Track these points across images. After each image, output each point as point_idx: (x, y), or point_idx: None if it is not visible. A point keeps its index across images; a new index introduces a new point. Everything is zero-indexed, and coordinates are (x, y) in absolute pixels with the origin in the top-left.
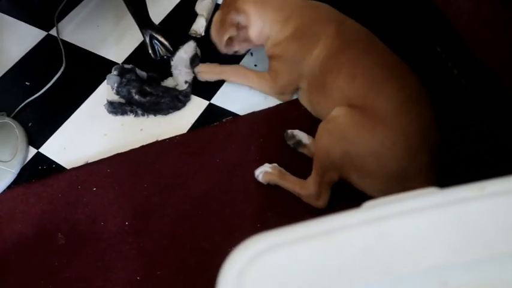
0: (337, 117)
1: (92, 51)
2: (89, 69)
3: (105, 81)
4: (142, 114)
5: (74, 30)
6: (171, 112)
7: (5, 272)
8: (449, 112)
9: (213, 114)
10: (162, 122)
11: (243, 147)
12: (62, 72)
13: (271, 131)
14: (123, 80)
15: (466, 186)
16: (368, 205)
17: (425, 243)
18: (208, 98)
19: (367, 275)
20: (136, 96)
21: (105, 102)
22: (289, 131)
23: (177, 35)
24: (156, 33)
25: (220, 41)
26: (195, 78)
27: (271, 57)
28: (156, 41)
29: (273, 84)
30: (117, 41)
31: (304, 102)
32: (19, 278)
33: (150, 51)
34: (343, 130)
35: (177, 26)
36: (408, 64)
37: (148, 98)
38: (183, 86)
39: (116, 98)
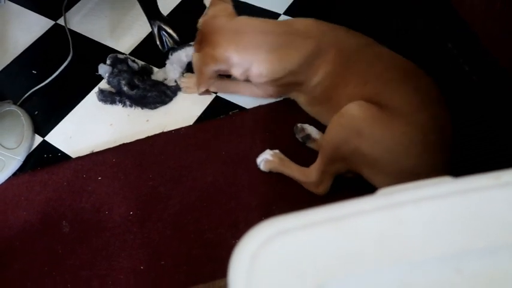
0: (351, 110)
1: (99, 42)
2: (96, 59)
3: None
4: (131, 106)
5: (81, 20)
6: (158, 107)
7: (10, 258)
8: (459, 109)
9: (219, 107)
10: (168, 113)
11: (249, 141)
12: (69, 62)
13: (277, 125)
14: (115, 70)
15: (481, 175)
16: (383, 192)
17: (440, 231)
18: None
19: (381, 261)
20: (125, 88)
21: (97, 89)
22: (299, 124)
23: (185, 27)
24: (165, 24)
25: (199, 90)
26: None
27: (265, 84)
28: (164, 33)
29: (271, 97)
30: (125, 32)
31: (304, 108)
32: (24, 264)
33: (158, 43)
34: (357, 125)
35: (185, 17)
36: (419, 60)
37: (135, 91)
38: (172, 83)
39: (108, 86)
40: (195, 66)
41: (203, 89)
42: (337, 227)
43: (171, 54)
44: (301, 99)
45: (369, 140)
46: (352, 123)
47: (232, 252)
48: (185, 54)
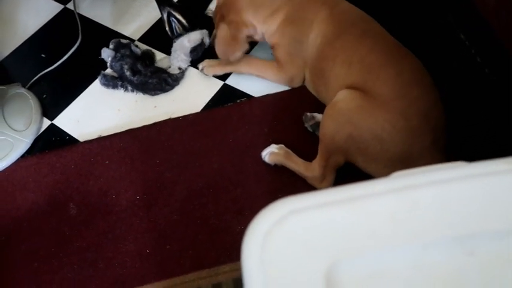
0: (339, 101)
1: (108, 27)
2: (104, 45)
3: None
4: (132, 91)
5: (91, 5)
6: (158, 93)
7: (17, 238)
8: (469, 101)
9: (227, 94)
10: (176, 100)
11: (257, 129)
12: (78, 46)
13: (285, 114)
14: (117, 54)
15: (494, 160)
16: (397, 174)
17: (453, 213)
18: (223, 78)
19: (394, 241)
20: (127, 73)
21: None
22: (309, 113)
23: (195, 13)
24: (174, 10)
25: (233, 57)
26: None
27: (273, 48)
28: (173, 19)
29: (282, 74)
30: (134, 18)
31: (311, 89)
32: (31, 245)
33: (167, 29)
34: (346, 114)
35: (195, 4)
36: (429, 51)
37: (137, 77)
38: (175, 71)
39: (110, 71)
40: (223, 38)
41: (239, 54)
42: (350, 207)
43: (175, 42)
44: (308, 75)
45: (358, 129)
46: (341, 112)
47: (246, 230)
48: (187, 39)
